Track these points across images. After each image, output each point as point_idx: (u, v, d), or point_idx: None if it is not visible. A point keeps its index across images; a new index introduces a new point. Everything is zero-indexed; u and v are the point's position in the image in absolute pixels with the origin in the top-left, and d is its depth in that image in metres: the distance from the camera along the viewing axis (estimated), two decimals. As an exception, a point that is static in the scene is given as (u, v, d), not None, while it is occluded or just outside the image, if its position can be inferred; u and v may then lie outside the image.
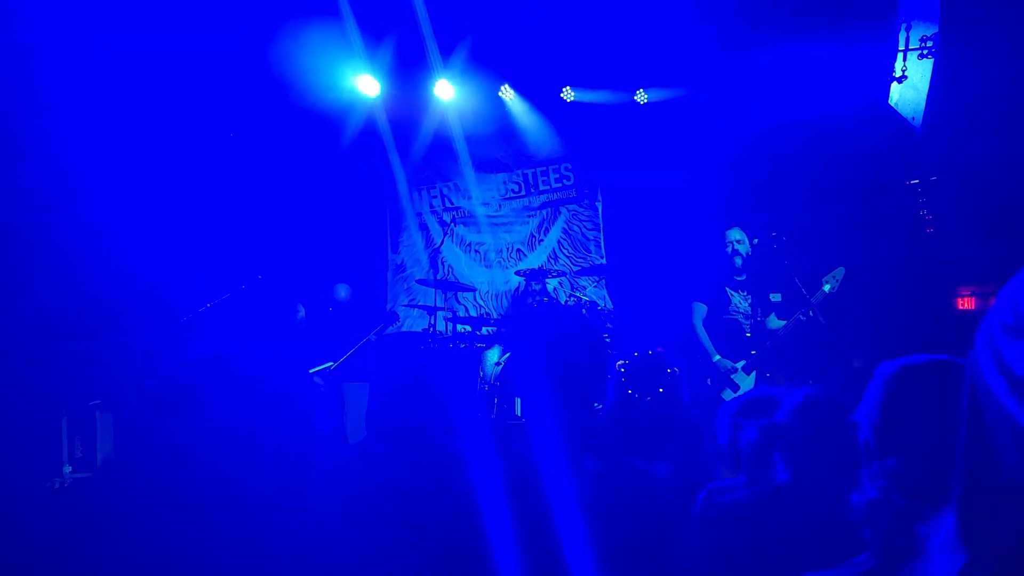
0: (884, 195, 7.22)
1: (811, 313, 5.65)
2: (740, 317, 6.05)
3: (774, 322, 6.07)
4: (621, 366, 3.27)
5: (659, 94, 8.48)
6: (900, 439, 1.45)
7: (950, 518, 0.70)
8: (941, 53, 5.74)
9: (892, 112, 6.55)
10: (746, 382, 5.82)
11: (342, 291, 8.05)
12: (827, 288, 5.72)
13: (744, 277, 6.13)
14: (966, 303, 6.84)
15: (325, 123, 8.32)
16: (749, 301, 6.07)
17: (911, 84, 6.23)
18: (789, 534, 2.13)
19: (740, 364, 5.90)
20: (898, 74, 6.42)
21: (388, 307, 8.99)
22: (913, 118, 6.15)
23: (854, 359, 6.99)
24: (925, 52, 5.89)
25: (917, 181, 7.08)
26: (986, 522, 0.64)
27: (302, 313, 7.40)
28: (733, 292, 6.10)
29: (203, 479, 1.10)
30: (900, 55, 6.33)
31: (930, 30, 5.84)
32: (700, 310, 6.13)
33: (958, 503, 0.68)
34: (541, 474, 1.88)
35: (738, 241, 6.09)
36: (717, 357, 5.94)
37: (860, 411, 1.62)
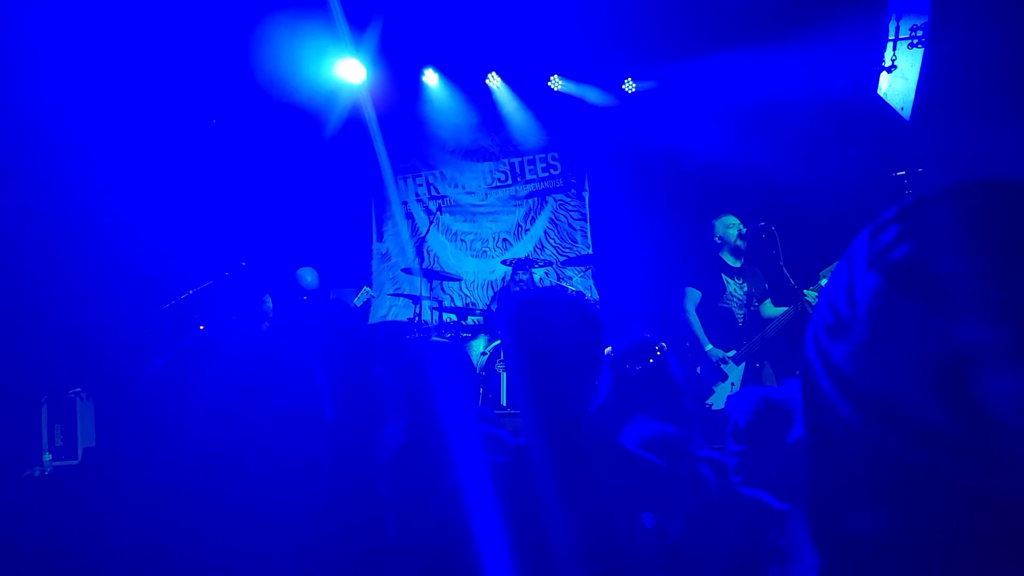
0: (871, 186, 7.23)
1: (799, 305, 5.62)
2: (734, 306, 5.99)
3: (769, 309, 6.04)
4: (610, 351, 3.27)
5: (647, 85, 8.46)
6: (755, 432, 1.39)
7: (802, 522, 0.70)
8: (931, 43, 5.74)
9: (881, 102, 6.55)
10: (735, 372, 5.79)
11: (308, 276, 7.33)
12: (824, 282, 5.67)
13: (740, 264, 6.09)
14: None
15: (310, 109, 8.23)
16: (744, 289, 6.02)
17: (900, 74, 6.23)
18: None
19: (731, 354, 5.87)
20: (888, 64, 6.42)
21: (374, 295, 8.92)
22: (902, 108, 6.15)
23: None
24: (915, 42, 5.89)
25: (904, 173, 7.09)
26: (835, 524, 0.65)
27: (269, 304, 7.17)
28: (729, 279, 6.03)
29: (196, 471, 1.05)
30: (890, 44, 6.32)
31: (920, 20, 5.84)
32: (693, 296, 6.02)
33: (806, 507, 0.68)
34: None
35: (733, 227, 6.04)
36: (709, 347, 5.90)
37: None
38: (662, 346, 3.23)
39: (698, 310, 6.00)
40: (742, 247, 6.02)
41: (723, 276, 6.02)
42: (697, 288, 6.02)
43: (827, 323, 0.64)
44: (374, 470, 1.76)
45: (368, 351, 1.86)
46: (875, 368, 0.59)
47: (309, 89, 8.09)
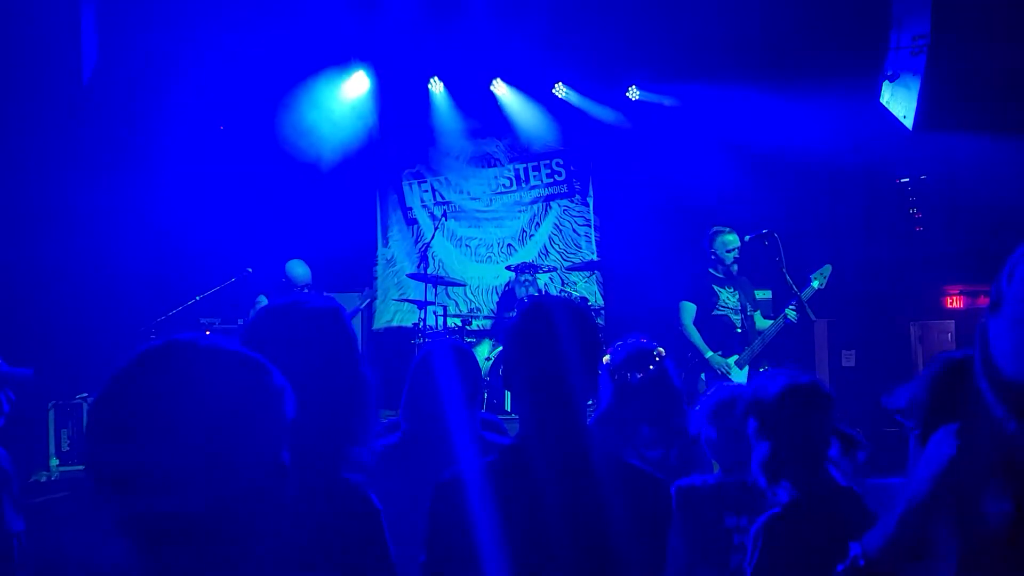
0: (874, 193, 7.25)
1: (798, 310, 5.68)
2: (730, 313, 6.06)
3: (761, 322, 6.12)
4: (608, 360, 3.28)
5: (651, 97, 8.48)
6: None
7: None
8: (933, 51, 5.76)
9: (883, 110, 6.56)
10: (739, 377, 5.83)
11: (298, 269, 7.02)
12: (816, 285, 5.78)
13: (730, 276, 6.15)
14: (954, 301, 6.88)
15: (316, 114, 8.28)
16: (737, 297, 6.09)
17: (902, 82, 6.25)
18: None
19: (733, 360, 5.93)
20: (889, 72, 6.44)
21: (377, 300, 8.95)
22: (904, 116, 6.17)
23: (843, 357, 7.02)
24: (917, 50, 5.91)
25: (907, 180, 7.11)
26: (974, 507, 0.67)
27: (263, 303, 7.13)
28: (720, 289, 6.11)
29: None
30: (892, 53, 6.34)
31: (922, 28, 5.86)
32: (689, 309, 6.13)
33: (950, 491, 0.70)
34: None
35: (728, 240, 6.09)
36: (710, 354, 5.94)
37: (909, 406, 1.58)
38: (660, 352, 3.24)
39: (696, 322, 6.08)
40: (732, 262, 6.09)
41: (714, 286, 6.11)
42: (691, 301, 6.12)
43: (990, 301, 0.66)
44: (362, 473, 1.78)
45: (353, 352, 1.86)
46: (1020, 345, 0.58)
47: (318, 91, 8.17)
